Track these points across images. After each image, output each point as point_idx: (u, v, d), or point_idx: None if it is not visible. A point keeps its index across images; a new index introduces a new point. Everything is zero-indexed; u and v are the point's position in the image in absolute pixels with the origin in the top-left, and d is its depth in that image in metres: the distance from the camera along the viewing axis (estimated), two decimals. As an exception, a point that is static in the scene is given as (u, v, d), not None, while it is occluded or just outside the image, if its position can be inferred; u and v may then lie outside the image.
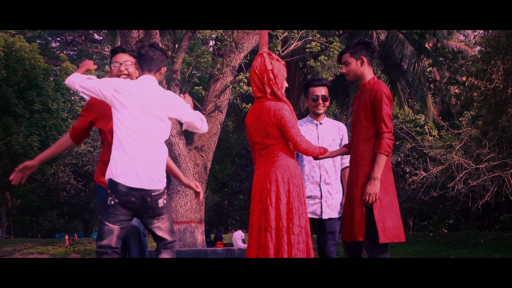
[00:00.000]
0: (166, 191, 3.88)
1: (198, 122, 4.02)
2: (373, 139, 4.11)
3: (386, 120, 4.06)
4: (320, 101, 4.92)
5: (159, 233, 3.85)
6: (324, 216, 4.82)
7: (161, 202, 3.80)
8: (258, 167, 4.08)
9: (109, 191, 3.70)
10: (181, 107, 3.93)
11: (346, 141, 4.99)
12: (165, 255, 3.86)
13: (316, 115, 4.96)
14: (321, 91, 4.92)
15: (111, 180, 3.70)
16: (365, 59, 4.24)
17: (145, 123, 3.77)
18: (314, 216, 4.81)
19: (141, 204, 3.72)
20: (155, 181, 3.77)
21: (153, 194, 3.75)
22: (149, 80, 3.87)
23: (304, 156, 4.78)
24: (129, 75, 4.10)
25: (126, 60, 4.11)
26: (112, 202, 3.68)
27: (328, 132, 4.93)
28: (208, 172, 13.81)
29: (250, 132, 4.15)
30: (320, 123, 4.96)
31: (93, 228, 33.34)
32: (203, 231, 13.47)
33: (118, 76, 4.06)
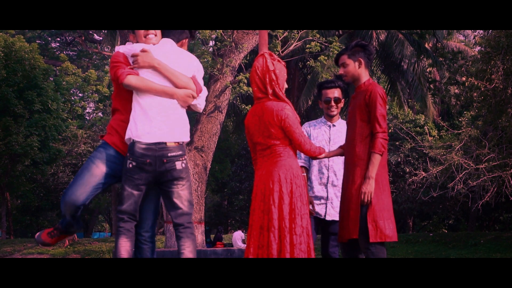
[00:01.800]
0: (185, 156, 3.90)
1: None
2: (368, 138, 4.18)
3: (380, 120, 4.14)
4: (333, 103, 4.95)
5: (177, 200, 3.86)
6: (328, 218, 4.83)
7: (179, 164, 3.83)
8: (260, 167, 4.08)
9: (128, 154, 3.81)
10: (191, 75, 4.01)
11: None
12: (187, 244, 3.85)
13: (330, 117, 4.99)
14: (334, 93, 4.94)
15: (129, 140, 3.81)
16: (362, 61, 4.33)
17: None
18: (318, 216, 4.82)
19: (158, 166, 3.77)
20: (173, 135, 3.83)
21: (169, 154, 3.80)
22: (167, 45, 3.97)
23: None
24: (156, 35, 4.01)
25: (148, 34, 4.00)
26: (130, 166, 3.78)
27: (340, 134, 4.94)
28: (208, 172, 13.80)
29: (251, 132, 4.16)
30: (334, 125, 4.98)
31: (92, 229, 33.34)
32: (203, 231, 13.46)
33: (145, 37, 3.99)
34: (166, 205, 3.93)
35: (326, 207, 4.83)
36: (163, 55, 3.90)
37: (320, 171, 4.87)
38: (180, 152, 3.84)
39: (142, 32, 3.96)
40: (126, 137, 3.84)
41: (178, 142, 3.85)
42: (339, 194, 4.83)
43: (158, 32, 4.00)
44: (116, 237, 3.84)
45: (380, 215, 4.07)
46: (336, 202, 4.84)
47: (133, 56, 3.86)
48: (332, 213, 4.83)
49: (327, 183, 4.85)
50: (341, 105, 5.00)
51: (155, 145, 3.78)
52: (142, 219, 3.97)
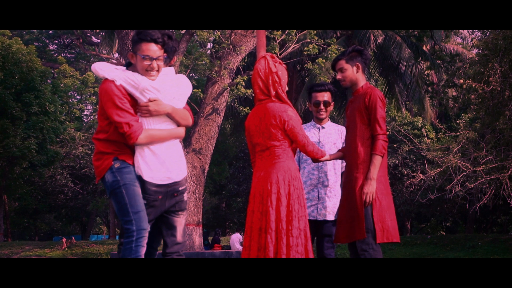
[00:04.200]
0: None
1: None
2: (369, 141, 4.25)
3: (380, 122, 4.21)
4: (322, 107, 4.97)
5: (176, 228, 3.92)
6: (319, 218, 4.85)
7: (185, 196, 3.96)
8: (258, 169, 4.10)
9: None
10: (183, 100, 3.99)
11: None
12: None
13: (319, 120, 5.01)
14: (324, 96, 4.96)
15: (140, 178, 3.78)
16: (360, 66, 4.41)
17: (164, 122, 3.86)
18: (310, 218, 4.83)
19: (168, 200, 3.85)
20: (182, 171, 3.90)
21: (180, 189, 3.89)
22: (167, 78, 3.90)
23: (305, 157, 4.83)
24: (158, 70, 3.80)
25: (159, 56, 3.76)
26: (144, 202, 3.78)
27: (329, 136, 4.97)
28: (205, 174, 13.80)
29: (251, 133, 4.18)
30: (323, 127, 5.01)
31: (90, 231, 33.30)
32: (200, 234, 13.45)
33: (146, 70, 3.75)
34: (163, 231, 3.96)
35: (317, 207, 4.86)
36: (166, 92, 3.85)
37: (311, 172, 4.90)
38: (186, 185, 3.95)
39: (145, 65, 3.74)
40: (137, 172, 3.79)
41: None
42: (331, 195, 4.87)
43: (161, 65, 3.81)
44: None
45: (386, 215, 4.12)
46: (328, 202, 4.86)
47: (143, 105, 3.75)
48: (323, 213, 4.85)
49: (317, 183, 4.88)
50: (330, 108, 5.02)
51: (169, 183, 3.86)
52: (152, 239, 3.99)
